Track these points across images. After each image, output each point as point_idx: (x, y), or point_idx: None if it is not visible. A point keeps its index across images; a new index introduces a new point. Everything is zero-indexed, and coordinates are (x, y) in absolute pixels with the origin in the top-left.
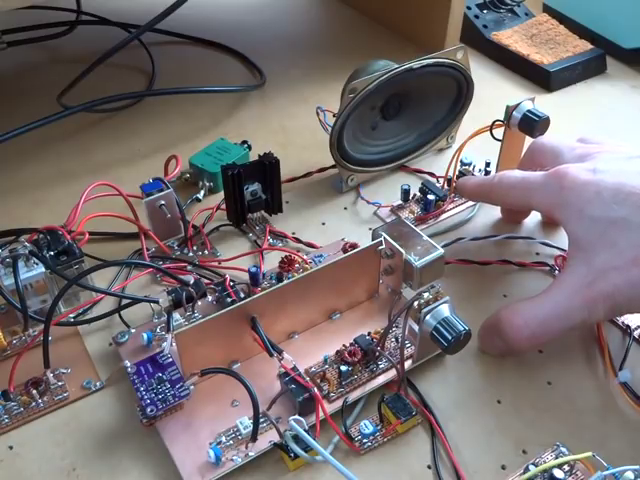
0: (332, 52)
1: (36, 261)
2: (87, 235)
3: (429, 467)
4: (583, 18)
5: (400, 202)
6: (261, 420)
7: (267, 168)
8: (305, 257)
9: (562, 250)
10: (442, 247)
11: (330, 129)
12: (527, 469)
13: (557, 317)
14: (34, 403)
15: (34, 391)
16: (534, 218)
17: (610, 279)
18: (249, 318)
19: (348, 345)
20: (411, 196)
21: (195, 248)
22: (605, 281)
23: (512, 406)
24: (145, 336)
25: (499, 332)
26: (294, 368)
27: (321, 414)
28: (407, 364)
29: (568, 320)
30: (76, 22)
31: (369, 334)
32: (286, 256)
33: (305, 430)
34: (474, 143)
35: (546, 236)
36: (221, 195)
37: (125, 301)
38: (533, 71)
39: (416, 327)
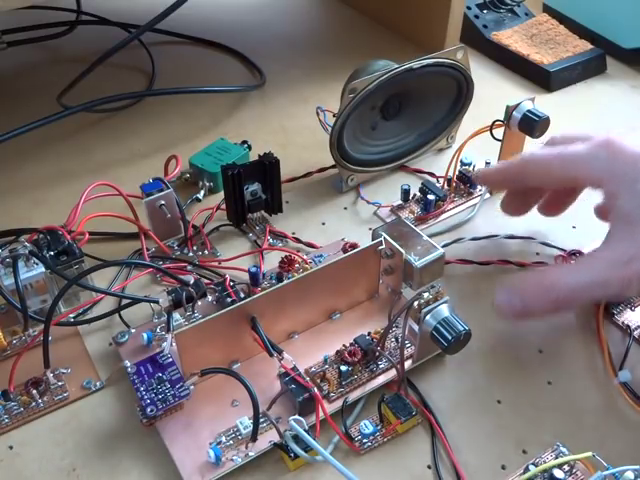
0: (332, 52)
1: (36, 261)
2: (87, 235)
3: (429, 467)
4: (583, 18)
5: (400, 202)
6: (261, 420)
7: (267, 168)
8: (305, 257)
9: (562, 250)
10: (442, 247)
11: (330, 129)
12: (527, 469)
13: (588, 286)
14: (34, 403)
15: (34, 391)
16: (534, 218)
17: None
18: (249, 318)
19: (348, 345)
20: (411, 196)
21: (195, 248)
22: None
23: (512, 406)
24: (145, 336)
25: (522, 291)
26: (294, 368)
27: (321, 414)
28: (407, 364)
29: (598, 291)
30: (76, 22)
31: (369, 334)
32: (286, 256)
33: (305, 430)
34: (474, 143)
35: (546, 236)
36: (221, 195)
37: (125, 301)
38: (533, 71)
39: (416, 327)
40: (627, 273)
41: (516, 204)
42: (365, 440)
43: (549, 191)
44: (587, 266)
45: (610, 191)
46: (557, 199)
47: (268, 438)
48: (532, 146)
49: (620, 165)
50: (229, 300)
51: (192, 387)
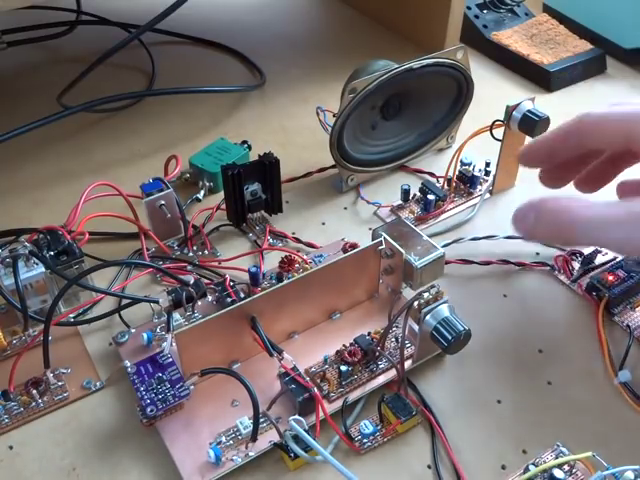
0: (332, 52)
1: (36, 261)
2: (87, 235)
3: (429, 467)
4: (583, 18)
5: (400, 202)
6: (261, 420)
7: (267, 168)
8: (305, 257)
9: (562, 250)
10: (442, 247)
11: (330, 129)
12: (527, 469)
13: (605, 225)
14: (34, 403)
15: (34, 391)
16: None
17: None
18: (249, 318)
19: (348, 345)
20: (411, 196)
21: (195, 248)
22: None
23: (512, 406)
24: (145, 336)
25: (548, 212)
26: (294, 368)
27: (321, 414)
28: (407, 364)
29: (615, 233)
30: (76, 22)
31: (369, 334)
32: (286, 256)
33: (305, 430)
34: (474, 143)
35: None
36: (221, 195)
37: (125, 301)
38: (533, 71)
39: (416, 327)
40: None
41: (555, 176)
42: (365, 440)
43: (592, 162)
44: (630, 206)
45: None
46: (599, 173)
47: (268, 438)
48: None
49: None
50: (229, 300)
51: (192, 387)
